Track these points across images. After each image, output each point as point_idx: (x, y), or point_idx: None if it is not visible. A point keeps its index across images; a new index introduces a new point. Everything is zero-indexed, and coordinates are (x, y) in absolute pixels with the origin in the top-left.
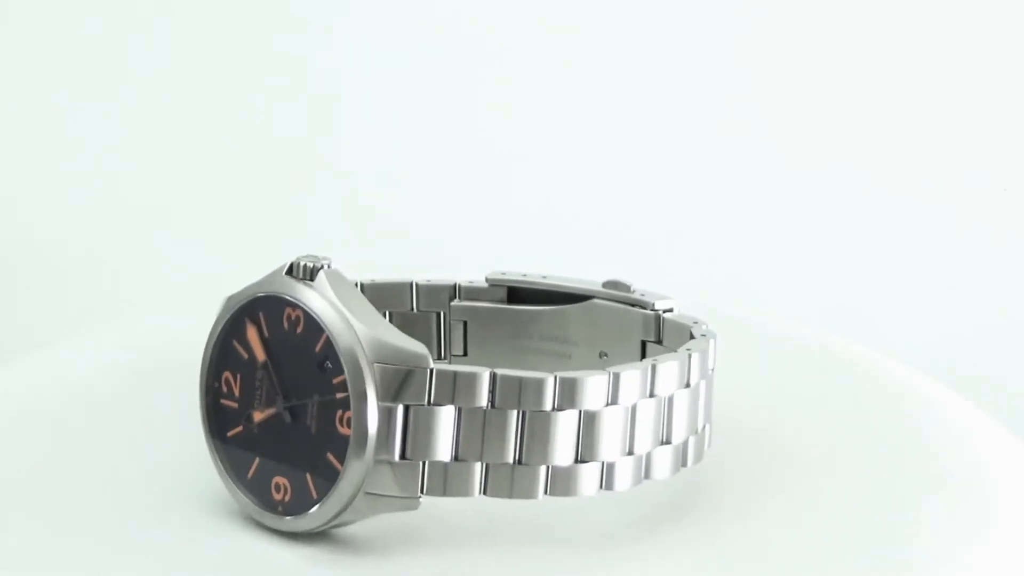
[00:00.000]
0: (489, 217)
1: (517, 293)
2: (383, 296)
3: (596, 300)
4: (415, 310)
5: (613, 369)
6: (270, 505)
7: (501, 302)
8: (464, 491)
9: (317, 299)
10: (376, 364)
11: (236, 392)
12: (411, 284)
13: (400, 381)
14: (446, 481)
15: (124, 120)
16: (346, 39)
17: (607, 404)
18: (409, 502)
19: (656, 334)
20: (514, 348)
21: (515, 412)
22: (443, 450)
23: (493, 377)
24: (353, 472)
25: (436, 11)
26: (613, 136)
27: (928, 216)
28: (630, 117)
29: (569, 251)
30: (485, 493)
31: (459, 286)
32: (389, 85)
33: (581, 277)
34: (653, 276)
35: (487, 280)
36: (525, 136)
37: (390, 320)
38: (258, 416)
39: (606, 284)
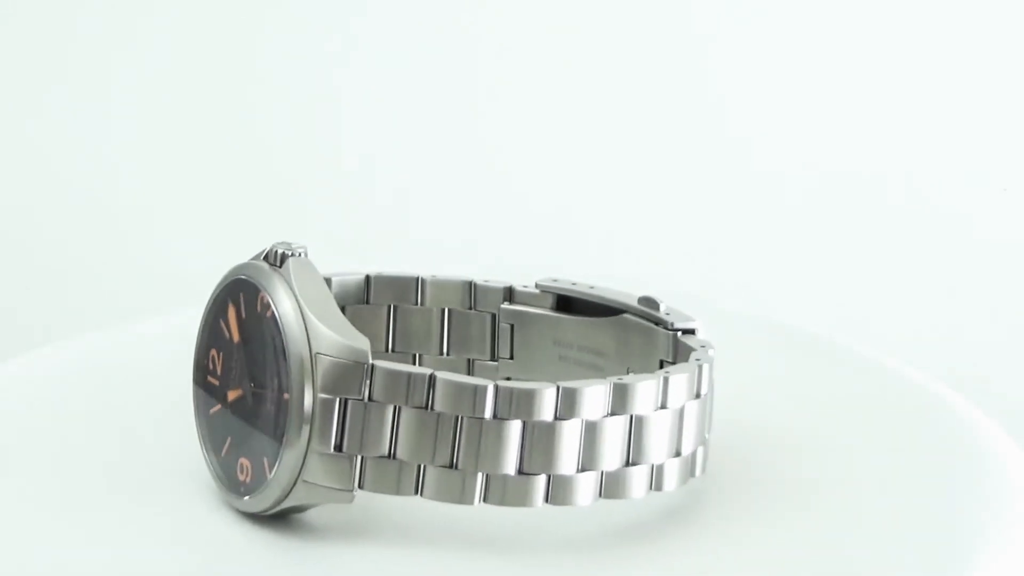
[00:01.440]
0: (486, 216)
1: (565, 301)
2: (444, 293)
3: (626, 315)
4: (473, 309)
5: (568, 384)
6: (235, 485)
7: (549, 309)
8: (400, 490)
9: (279, 286)
10: (319, 355)
11: (219, 370)
12: (470, 283)
13: (339, 374)
14: (382, 478)
15: (127, 120)
16: (348, 39)
17: (557, 418)
18: (342, 495)
19: (673, 354)
20: (554, 356)
21: (455, 417)
22: (379, 447)
23: (432, 379)
24: (289, 458)
25: (438, 9)
26: (615, 136)
27: (928, 216)
28: (631, 117)
29: (576, 250)
30: (421, 494)
31: (513, 289)
32: (389, 84)
33: (624, 290)
34: (658, 276)
35: (537, 286)
36: (526, 135)
37: (449, 318)
38: (231, 396)
39: (640, 300)
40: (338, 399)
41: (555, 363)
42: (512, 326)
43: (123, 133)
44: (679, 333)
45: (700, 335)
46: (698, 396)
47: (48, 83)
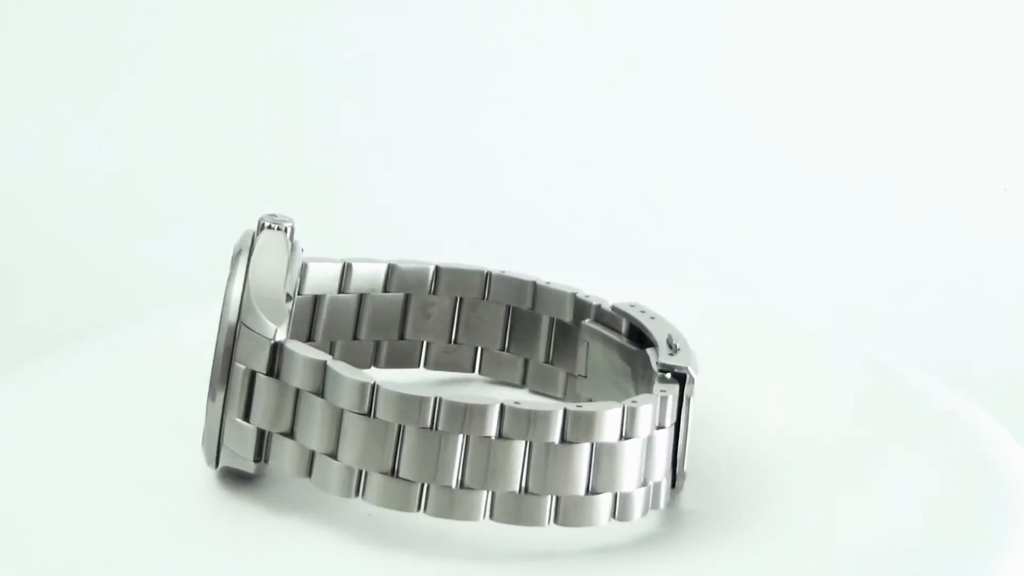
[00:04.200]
0: (483, 213)
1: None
2: (548, 301)
3: (648, 350)
4: (571, 322)
5: (451, 397)
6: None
7: (621, 333)
8: (293, 471)
9: (243, 255)
10: (243, 325)
11: None
12: (572, 295)
13: (254, 347)
14: (279, 456)
15: (127, 118)
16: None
17: (437, 428)
18: (247, 463)
19: None
20: (611, 380)
21: (340, 409)
22: (279, 424)
23: (323, 366)
24: (211, 416)
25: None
26: (613, 134)
27: (927, 215)
28: (627, 114)
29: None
30: (309, 477)
31: (599, 307)
32: (389, 82)
33: (675, 325)
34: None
35: (613, 308)
36: (523, 133)
37: (553, 327)
38: None
39: (667, 339)
40: (250, 371)
41: (611, 388)
42: (588, 344)
43: (123, 130)
44: (664, 375)
45: (694, 383)
46: (626, 437)
47: (47, 81)
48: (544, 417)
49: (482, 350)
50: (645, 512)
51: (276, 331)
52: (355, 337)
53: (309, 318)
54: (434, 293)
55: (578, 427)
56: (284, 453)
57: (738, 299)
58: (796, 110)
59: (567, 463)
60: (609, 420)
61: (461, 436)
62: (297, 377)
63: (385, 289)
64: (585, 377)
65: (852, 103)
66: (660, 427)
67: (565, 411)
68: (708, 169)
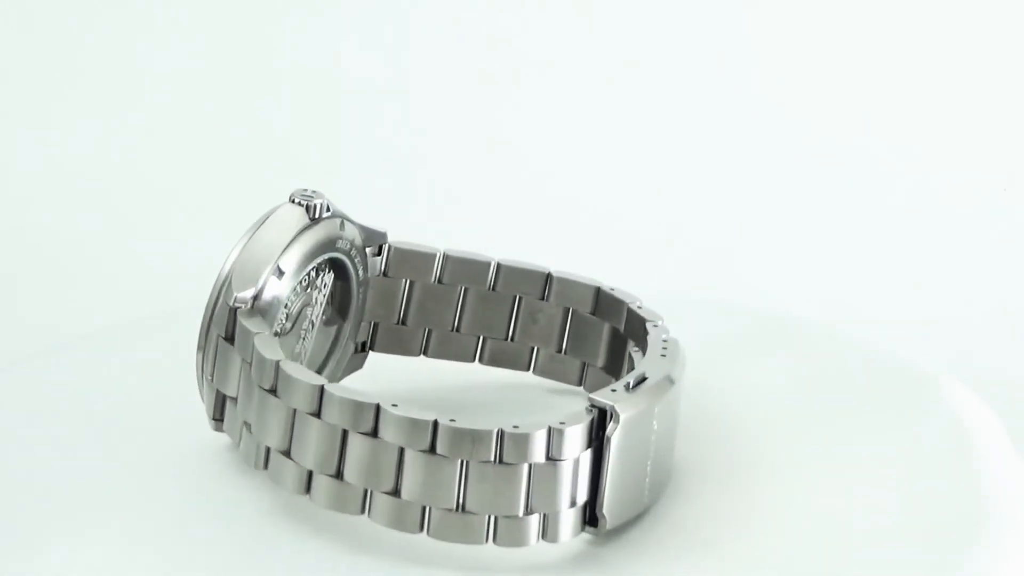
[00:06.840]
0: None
1: None
2: (633, 326)
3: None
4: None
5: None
6: None
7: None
8: (233, 434)
9: (256, 224)
10: (223, 291)
11: None
12: (644, 323)
13: (223, 313)
14: (228, 420)
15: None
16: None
17: (311, 413)
18: (211, 423)
19: None
20: None
21: (258, 387)
22: (228, 388)
23: (251, 338)
24: (197, 369)
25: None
26: (613, 129)
27: (927, 213)
28: (629, 110)
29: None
30: (239, 447)
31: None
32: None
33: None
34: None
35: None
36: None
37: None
38: None
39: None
40: (217, 334)
41: None
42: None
43: (132, 128)
44: (590, 408)
45: (617, 422)
46: (502, 461)
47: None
48: (417, 425)
49: (587, 365)
50: (537, 541)
51: (235, 298)
52: (456, 329)
53: (400, 301)
54: (544, 299)
55: (448, 442)
56: (229, 417)
57: None
58: (795, 104)
59: (435, 475)
60: (478, 440)
61: (341, 429)
62: (240, 347)
63: (492, 287)
64: None
65: (856, 103)
66: (552, 459)
67: (435, 423)
68: (709, 169)
